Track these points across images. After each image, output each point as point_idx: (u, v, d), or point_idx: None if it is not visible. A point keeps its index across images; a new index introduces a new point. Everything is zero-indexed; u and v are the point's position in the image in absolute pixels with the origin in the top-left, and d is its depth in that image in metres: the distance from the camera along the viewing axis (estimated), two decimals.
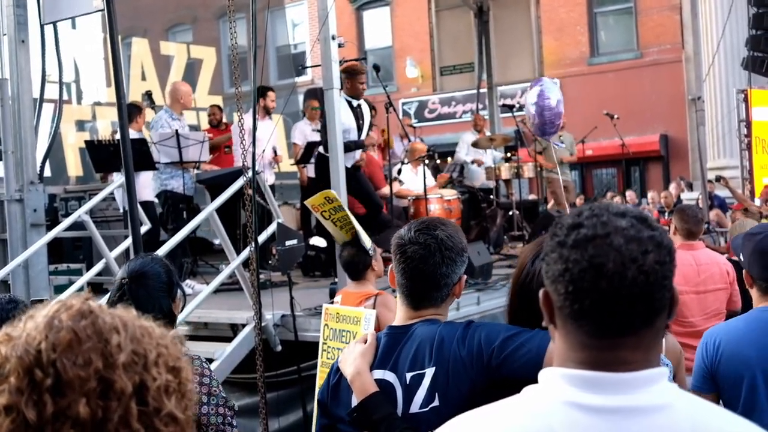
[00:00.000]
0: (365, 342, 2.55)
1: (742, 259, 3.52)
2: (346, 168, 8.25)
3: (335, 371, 2.59)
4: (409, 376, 2.40)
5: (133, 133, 8.28)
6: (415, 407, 2.37)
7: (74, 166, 15.68)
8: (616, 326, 1.38)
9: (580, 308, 1.37)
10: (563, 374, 1.41)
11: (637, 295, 1.35)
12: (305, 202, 5.43)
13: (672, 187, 16.51)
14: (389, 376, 2.44)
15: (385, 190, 10.05)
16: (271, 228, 7.30)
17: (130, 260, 3.35)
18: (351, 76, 8.15)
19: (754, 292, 3.46)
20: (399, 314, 2.58)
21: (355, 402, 2.45)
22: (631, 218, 1.40)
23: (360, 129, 8.39)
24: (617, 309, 1.36)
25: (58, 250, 9.84)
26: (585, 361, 1.39)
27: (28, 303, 3.46)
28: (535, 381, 1.47)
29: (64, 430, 1.17)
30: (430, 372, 2.37)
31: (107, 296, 3.30)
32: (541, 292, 1.46)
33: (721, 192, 13.91)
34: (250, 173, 5.96)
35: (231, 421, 3.12)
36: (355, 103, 8.32)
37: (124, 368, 1.21)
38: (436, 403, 2.34)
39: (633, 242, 1.36)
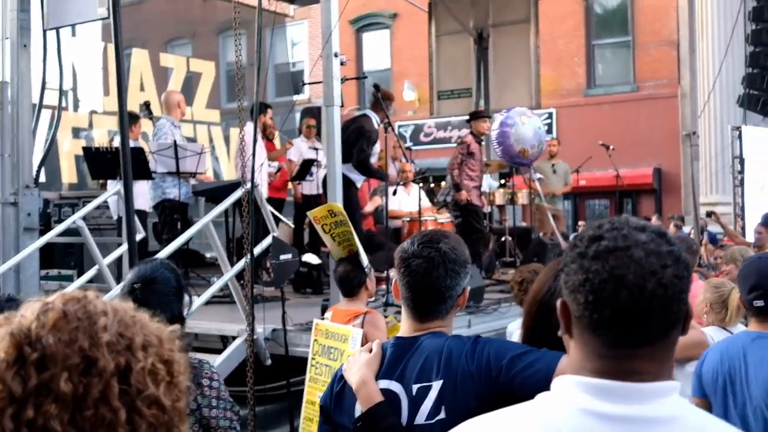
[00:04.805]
0: (370, 351, 2.55)
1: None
2: (354, 186, 8.41)
3: (339, 379, 2.59)
4: (415, 387, 2.40)
5: (130, 142, 8.29)
6: (420, 419, 2.38)
7: (68, 173, 15.65)
8: (633, 337, 1.40)
9: (599, 318, 1.40)
10: (577, 382, 1.43)
11: (656, 307, 1.39)
12: (308, 213, 5.44)
13: (654, 219, 16.56)
14: (395, 386, 2.44)
15: (368, 208, 10.17)
16: (266, 242, 7.30)
17: (139, 265, 3.35)
18: (389, 101, 8.45)
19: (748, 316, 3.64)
20: (404, 326, 2.58)
21: (358, 410, 2.45)
22: (650, 233, 1.44)
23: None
24: (635, 320, 1.39)
25: (49, 256, 9.81)
26: (600, 370, 1.42)
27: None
28: None
29: (46, 404, 1.20)
30: (437, 385, 2.37)
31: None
32: (558, 302, 1.49)
33: (713, 227, 13.97)
34: (248, 186, 5.97)
35: (236, 426, 3.18)
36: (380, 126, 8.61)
37: (107, 347, 1.25)
38: (442, 415, 2.34)
39: (653, 256, 1.40)
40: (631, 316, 1.38)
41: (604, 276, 1.39)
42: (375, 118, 8.92)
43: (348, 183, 8.09)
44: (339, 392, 2.56)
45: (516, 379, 2.27)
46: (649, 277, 1.38)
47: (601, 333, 1.41)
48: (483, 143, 10.86)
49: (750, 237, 11.36)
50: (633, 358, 1.41)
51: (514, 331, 5.22)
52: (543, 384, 2.13)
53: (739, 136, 13.70)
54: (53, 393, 1.20)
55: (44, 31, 8.37)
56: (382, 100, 8.69)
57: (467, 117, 11.07)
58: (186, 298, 3.27)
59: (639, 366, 1.40)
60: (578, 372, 1.44)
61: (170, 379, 1.30)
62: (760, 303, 3.47)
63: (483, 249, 11.52)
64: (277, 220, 8.59)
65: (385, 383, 2.46)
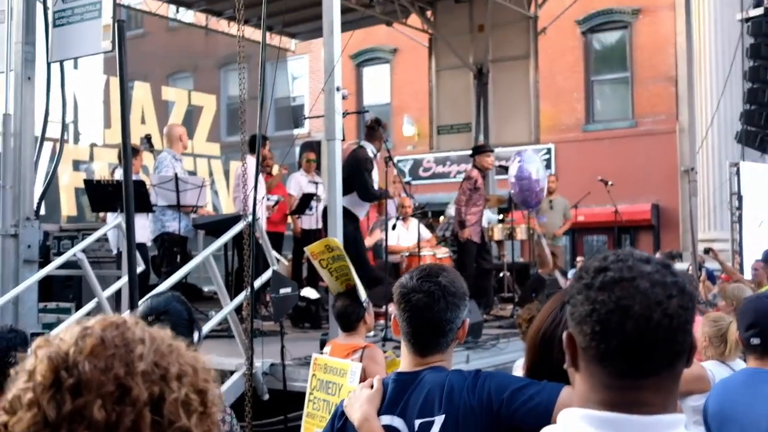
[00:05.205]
0: (371, 387, 2.55)
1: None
2: (358, 219, 8.48)
3: (340, 415, 2.58)
4: (418, 422, 2.41)
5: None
6: None
7: (67, 206, 15.69)
8: (639, 368, 1.41)
9: (606, 349, 1.41)
10: (583, 415, 1.44)
11: (661, 338, 1.40)
12: (305, 249, 5.46)
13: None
14: (397, 422, 2.45)
15: (367, 242, 10.20)
16: (266, 275, 7.30)
17: (150, 298, 3.37)
18: (382, 130, 8.55)
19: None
20: (405, 361, 2.59)
21: None
22: (655, 264, 1.45)
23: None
24: (642, 350, 1.40)
25: (48, 288, 9.79)
26: (606, 402, 1.43)
27: (28, 335, 3.47)
28: None
29: (79, 431, 1.21)
30: (439, 420, 2.37)
31: None
32: (564, 334, 1.50)
33: (711, 264, 13.97)
34: (249, 219, 5.98)
35: None
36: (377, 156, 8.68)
37: (142, 376, 1.25)
38: None
39: (658, 286, 1.41)
40: (637, 346, 1.40)
41: (610, 306, 1.40)
42: (370, 148, 8.97)
43: (350, 216, 8.12)
44: (341, 428, 2.56)
45: (518, 413, 2.28)
46: (654, 308, 1.39)
47: (607, 364, 1.42)
48: (486, 177, 10.89)
49: (748, 274, 11.36)
50: (639, 389, 1.42)
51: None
52: (544, 416, 2.14)
53: (737, 173, 13.74)
54: (86, 420, 1.21)
55: (48, 64, 8.41)
56: (376, 128, 8.81)
57: (470, 151, 11.11)
58: (195, 332, 3.29)
59: (645, 397, 1.41)
60: (584, 404, 1.45)
61: (203, 410, 1.30)
62: (756, 341, 3.52)
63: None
64: None
65: (387, 419, 2.46)
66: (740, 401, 3.48)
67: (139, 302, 3.36)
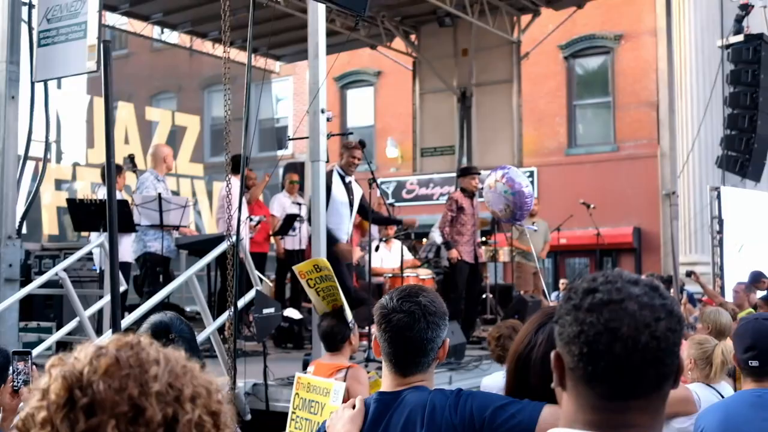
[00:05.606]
0: (353, 407, 2.55)
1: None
2: (340, 243, 8.40)
3: None
4: None
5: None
6: None
7: (49, 225, 15.62)
8: (627, 389, 1.42)
9: (594, 370, 1.42)
10: None
11: (649, 360, 1.40)
12: (293, 268, 5.46)
13: None
14: None
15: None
16: (249, 295, 7.30)
17: (152, 317, 3.33)
18: (347, 149, 8.40)
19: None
20: (386, 381, 2.59)
21: None
22: (643, 286, 1.46)
23: (351, 204, 8.56)
24: (630, 373, 1.40)
25: (28, 308, 9.72)
26: (593, 422, 1.43)
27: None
28: None
29: None
30: None
31: None
32: (552, 354, 1.50)
33: (692, 287, 14.05)
34: (233, 239, 5.99)
35: None
36: (347, 179, 8.49)
37: (156, 397, 1.25)
38: None
39: (646, 309, 1.42)
40: (625, 368, 1.40)
41: (599, 328, 1.41)
42: (334, 168, 8.77)
43: (329, 238, 8.05)
44: None
45: (500, 431, 2.29)
46: (642, 330, 1.40)
47: (595, 385, 1.43)
48: (474, 198, 10.67)
49: (729, 297, 11.43)
50: (626, 411, 1.42)
51: (489, 384, 5.25)
52: None
53: (718, 197, 13.85)
54: None
55: (32, 83, 8.39)
56: (342, 148, 8.76)
57: (455, 173, 11.06)
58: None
59: (632, 419, 1.42)
60: (571, 425, 1.46)
61: None
62: (755, 363, 3.46)
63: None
64: None
65: None
66: (754, 423, 3.40)
67: (144, 321, 3.31)
